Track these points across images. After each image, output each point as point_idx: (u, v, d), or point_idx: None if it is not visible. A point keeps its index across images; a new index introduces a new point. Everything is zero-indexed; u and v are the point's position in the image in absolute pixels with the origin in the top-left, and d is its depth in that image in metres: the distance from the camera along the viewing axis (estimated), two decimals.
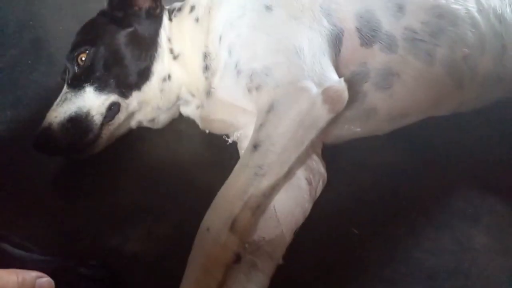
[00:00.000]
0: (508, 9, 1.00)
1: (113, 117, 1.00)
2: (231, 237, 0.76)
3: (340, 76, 0.86)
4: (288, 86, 0.83)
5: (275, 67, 0.85)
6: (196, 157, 1.07)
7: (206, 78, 0.99)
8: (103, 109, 0.97)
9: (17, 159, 1.06)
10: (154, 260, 0.86)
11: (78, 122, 0.95)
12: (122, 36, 1.00)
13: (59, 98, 1.00)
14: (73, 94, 0.98)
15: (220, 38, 0.93)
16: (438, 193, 0.96)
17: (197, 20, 1.00)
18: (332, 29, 0.91)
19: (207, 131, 1.07)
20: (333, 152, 0.98)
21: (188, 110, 1.09)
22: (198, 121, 1.07)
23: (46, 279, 0.61)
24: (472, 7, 0.96)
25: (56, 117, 0.95)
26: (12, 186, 1.00)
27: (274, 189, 0.81)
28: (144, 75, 1.01)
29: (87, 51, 0.98)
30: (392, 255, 0.85)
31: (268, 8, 0.91)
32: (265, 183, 0.79)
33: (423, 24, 0.92)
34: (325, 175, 0.93)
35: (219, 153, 1.05)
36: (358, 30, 0.91)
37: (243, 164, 0.81)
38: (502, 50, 0.98)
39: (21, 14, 1.47)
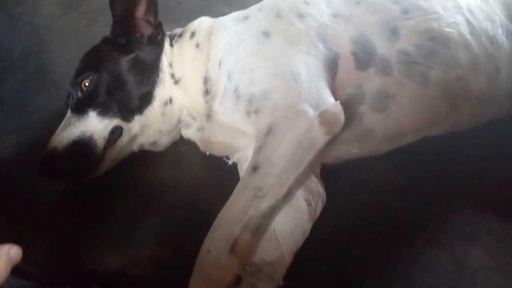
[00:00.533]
0: (499, 31, 1.02)
1: (115, 141, 1.01)
2: (232, 259, 0.77)
3: (336, 99, 0.88)
4: (286, 109, 0.85)
5: (273, 91, 0.87)
6: (197, 179, 1.09)
7: (207, 101, 1.01)
8: (105, 133, 0.99)
9: (21, 183, 1.07)
10: (156, 283, 0.86)
11: (82, 146, 0.97)
12: (124, 62, 1.02)
13: (63, 123, 1.02)
14: (76, 118, 1.00)
15: (220, 64, 0.96)
16: (436, 212, 0.97)
17: (197, 46, 1.03)
18: (328, 54, 0.93)
19: (207, 153, 1.09)
20: (332, 172, 0.99)
21: (189, 133, 1.11)
22: (198, 143, 1.09)
23: (15, 248, 0.62)
24: (464, 29, 0.98)
25: (60, 141, 0.97)
26: (16, 211, 1.01)
27: (273, 210, 0.83)
28: (146, 99, 1.03)
29: (91, 77, 1.00)
30: (392, 274, 0.86)
31: (266, 34, 0.93)
32: (265, 204, 0.80)
33: (416, 47, 0.95)
34: (324, 195, 0.94)
35: (219, 175, 1.06)
36: (354, 54, 0.94)
37: (242, 186, 0.83)
38: (495, 71, 1.00)
39: (27, 40, 1.51)
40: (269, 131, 0.84)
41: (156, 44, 1.06)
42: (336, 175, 1.00)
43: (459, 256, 0.88)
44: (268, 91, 0.88)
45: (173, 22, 1.31)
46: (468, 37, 0.98)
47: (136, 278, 0.87)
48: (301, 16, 0.96)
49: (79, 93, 1.01)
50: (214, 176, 1.07)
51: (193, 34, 1.05)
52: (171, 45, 1.08)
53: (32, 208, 1.02)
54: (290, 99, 0.86)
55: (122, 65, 1.02)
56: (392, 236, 0.93)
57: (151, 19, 1.04)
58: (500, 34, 1.02)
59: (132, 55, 1.03)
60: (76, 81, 1.02)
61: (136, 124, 1.03)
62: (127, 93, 1.01)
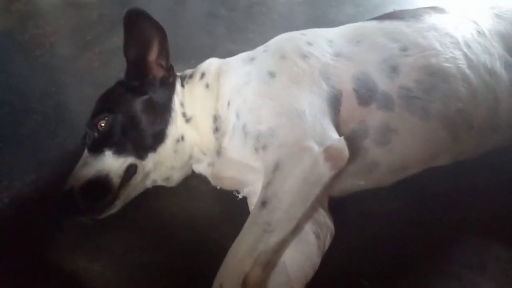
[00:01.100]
0: (497, 63, 1.06)
1: (130, 178, 1.06)
2: None
3: (340, 134, 0.92)
4: (292, 146, 0.89)
5: (279, 129, 0.91)
6: (208, 213, 1.12)
7: (217, 138, 1.05)
8: (121, 171, 1.03)
9: (38, 221, 1.10)
10: None
11: (98, 185, 1.01)
12: (138, 104, 1.07)
13: (80, 162, 1.06)
14: (93, 158, 1.04)
15: (229, 103, 1.01)
16: (444, 242, 0.98)
17: (207, 86, 1.08)
18: (331, 91, 0.97)
19: (218, 187, 1.12)
20: (340, 204, 1.02)
21: (200, 168, 1.14)
22: (209, 178, 1.12)
23: None
24: (462, 63, 1.02)
25: (77, 180, 1.01)
26: (33, 249, 1.04)
27: (283, 245, 0.85)
28: (159, 137, 1.07)
29: (106, 118, 1.05)
30: None
31: (272, 75, 0.98)
32: (274, 239, 0.83)
33: (416, 83, 0.98)
34: (333, 227, 0.96)
35: (230, 208, 1.09)
36: (356, 91, 0.98)
37: (252, 222, 0.86)
38: (495, 102, 1.03)
39: (44, 82, 1.56)
40: (276, 167, 0.87)
41: (168, 86, 1.11)
42: (344, 208, 1.02)
43: (468, 286, 0.88)
44: (274, 128, 0.91)
45: (183, 60, 1.37)
46: (467, 70, 1.01)
47: None
48: (304, 56, 1.01)
49: (95, 134, 1.06)
50: (225, 209, 1.10)
51: (203, 75, 1.11)
52: (182, 85, 1.13)
53: (49, 246, 1.05)
54: (295, 136, 0.90)
55: (136, 107, 1.07)
56: (401, 267, 0.94)
57: (163, 63, 1.09)
58: (498, 66, 1.05)
59: (145, 97, 1.08)
60: (93, 122, 1.06)
61: (150, 161, 1.07)
62: (141, 132, 1.06)
